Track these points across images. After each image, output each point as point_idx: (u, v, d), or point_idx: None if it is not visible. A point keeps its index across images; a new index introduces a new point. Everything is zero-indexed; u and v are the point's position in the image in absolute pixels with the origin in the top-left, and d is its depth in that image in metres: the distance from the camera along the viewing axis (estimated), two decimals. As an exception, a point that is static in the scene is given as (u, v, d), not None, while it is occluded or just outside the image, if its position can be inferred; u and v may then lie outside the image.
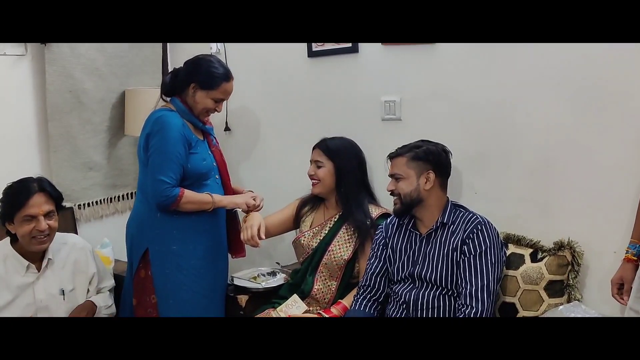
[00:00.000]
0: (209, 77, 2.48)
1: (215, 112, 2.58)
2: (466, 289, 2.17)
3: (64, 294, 2.41)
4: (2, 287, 2.30)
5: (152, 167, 2.41)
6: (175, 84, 2.54)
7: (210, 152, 2.59)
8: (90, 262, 2.53)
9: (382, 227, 2.46)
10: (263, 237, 2.49)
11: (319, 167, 2.64)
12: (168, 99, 2.57)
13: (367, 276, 2.42)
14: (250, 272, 2.82)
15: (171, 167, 2.39)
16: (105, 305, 2.54)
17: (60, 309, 2.39)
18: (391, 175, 2.33)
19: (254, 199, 2.60)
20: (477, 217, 2.27)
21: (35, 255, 2.35)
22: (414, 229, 2.36)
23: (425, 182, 2.27)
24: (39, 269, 2.36)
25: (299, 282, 2.67)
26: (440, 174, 2.30)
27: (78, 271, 2.48)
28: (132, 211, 2.65)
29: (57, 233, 2.42)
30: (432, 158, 2.30)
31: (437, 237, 2.29)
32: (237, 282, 2.72)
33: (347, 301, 2.49)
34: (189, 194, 2.44)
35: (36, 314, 2.33)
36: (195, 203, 2.46)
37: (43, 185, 2.31)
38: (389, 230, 2.42)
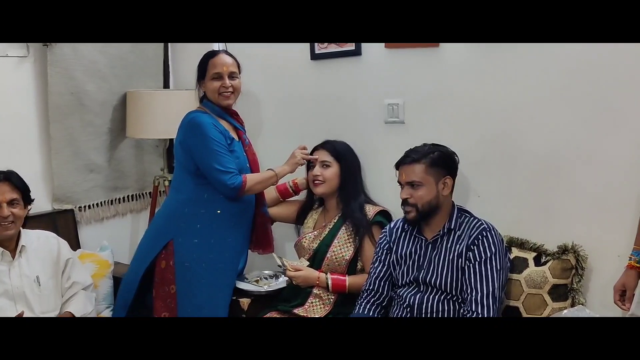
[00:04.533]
0: (200, 66, 2.61)
1: (232, 90, 2.58)
2: (471, 295, 2.16)
3: (39, 281, 2.45)
4: None
5: (206, 163, 2.49)
6: (199, 92, 2.68)
7: (244, 153, 2.64)
8: (63, 251, 2.58)
9: (386, 231, 2.45)
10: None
11: (325, 167, 2.65)
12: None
13: (371, 280, 2.41)
14: (253, 275, 2.81)
15: (223, 157, 2.49)
16: (85, 313, 2.55)
17: (37, 297, 2.44)
18: (407, 183, 2.26)
19: (301, 150, 2.71)
20: (482, 223, 2.26)
21: (9, 243, 2.42)
22: (419, 234, 2.34)
23: (443, 188, 2.26)
24: (13, 256, 2.43)
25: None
26: (453, 178, 2.29)
27: (52, 262, 2.53)
28: (161, 205, 2.78)
29: (33, 230, 2.54)
30: (449, 163, 2.28)
31: (443, 243, 2.28)
32: (239, 285, 2.70)
33: (351, 279, 2.56)
34: (251, 177, 2.56)
35: (14, 300, 2.39)
36: (262, 182, 2.58)
37: (8, 176, 2.41)
38: (393, 235, 2.41)
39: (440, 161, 2.26)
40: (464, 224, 2.27)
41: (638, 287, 2.03)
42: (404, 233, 2.39)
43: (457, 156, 2.33)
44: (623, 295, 2.09)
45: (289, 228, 2.99)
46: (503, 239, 2.28)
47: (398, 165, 2.31)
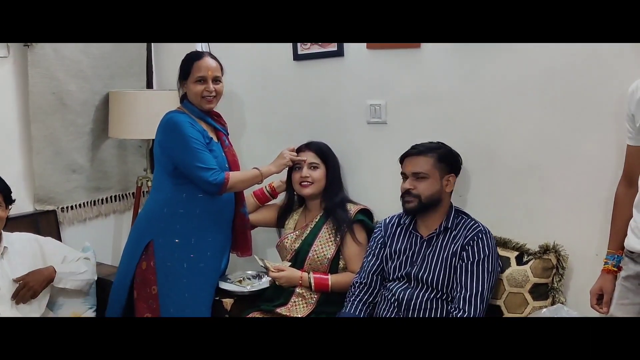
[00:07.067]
0: (183, 65, 2.59)
1: (214, 95, 2.57)
2: (461, 293, 2.19)
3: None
4: None
5: (186, 162, 2.47)
6: (180, 92, 2.66)
7: (223, 154, 2.62)
8: (47, 251, 2.58)
9: (381, 226, 2.47)
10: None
11: (314, 168, 2.66)
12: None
13: (364, 273, 2.43)
14: (236, 276, 2.81)
15: (203, 154, 2.47)
16: (76, 271, 2.58)
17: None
18: (413, 174, 2.28)
19: (290, 151, 2.69)
20: (478, 225, 2.29)
21: None
22: (415, 230, 2.36)
23: (447, 185, 2.29)
24: None
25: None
26: (456, 177, 2.33)
27: (35, 264, 2.51)
28: (143, 206, 2.75)
29: (15, 233, 2.54)
30: (455, 161, 2.32)
31: (439, 241, 2.30)
32: (222, 285, 2.70)
33: (334, 278, 2.57)
34: (235, 174, 2.54)
35: None
36: (245, 180, 2.57)
37: None
38: (388, 230, 2.43)
39: (447, 158, 2.31)
40: (461, 224, 2.30)
41: (616, 287, 2.03)
42: (399, 228, 2.41)
43: (460, 157, 2.36)
44: (600, 299, 2.10)
45: (270, 232, 2.99)
46: (496, 244, 2.31)
47: (403, 158, 2.34)
